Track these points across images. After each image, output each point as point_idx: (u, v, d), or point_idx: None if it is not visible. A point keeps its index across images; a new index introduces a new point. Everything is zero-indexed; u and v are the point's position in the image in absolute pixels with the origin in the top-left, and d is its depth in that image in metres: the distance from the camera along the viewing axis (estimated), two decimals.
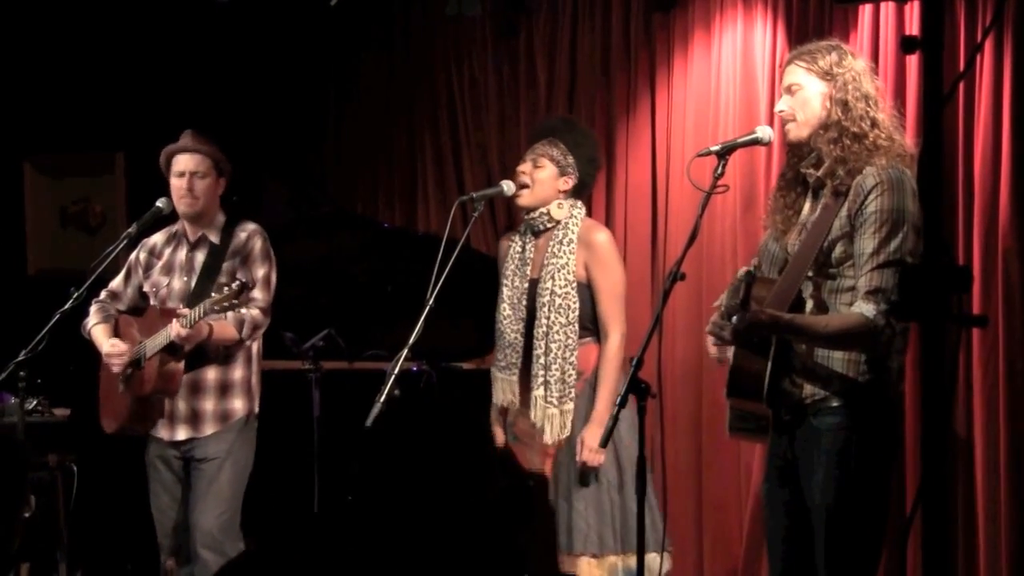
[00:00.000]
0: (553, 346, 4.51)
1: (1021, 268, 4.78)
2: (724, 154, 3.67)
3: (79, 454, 5.37)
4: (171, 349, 4.54)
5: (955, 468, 4.83)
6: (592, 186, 5.01)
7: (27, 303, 5.55)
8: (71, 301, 4.63)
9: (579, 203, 4.69)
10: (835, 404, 3.42)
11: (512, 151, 5.85)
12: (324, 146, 6.75)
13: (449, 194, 6.23)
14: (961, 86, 4.76)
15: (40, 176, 7.06)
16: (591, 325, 4.58)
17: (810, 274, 3.44)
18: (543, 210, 4.63)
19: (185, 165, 4.71)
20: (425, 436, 5.17)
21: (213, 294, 4.39)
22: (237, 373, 4.70)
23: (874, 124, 3.47)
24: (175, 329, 4.45)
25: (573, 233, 4.59)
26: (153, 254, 4.85)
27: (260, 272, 4.69)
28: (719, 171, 3.65)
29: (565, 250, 4.57)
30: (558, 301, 4.53)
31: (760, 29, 5.45)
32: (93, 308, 4.86)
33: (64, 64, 6.76)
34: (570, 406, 4.50)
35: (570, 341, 4.52)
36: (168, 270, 4.78)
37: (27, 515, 4.58)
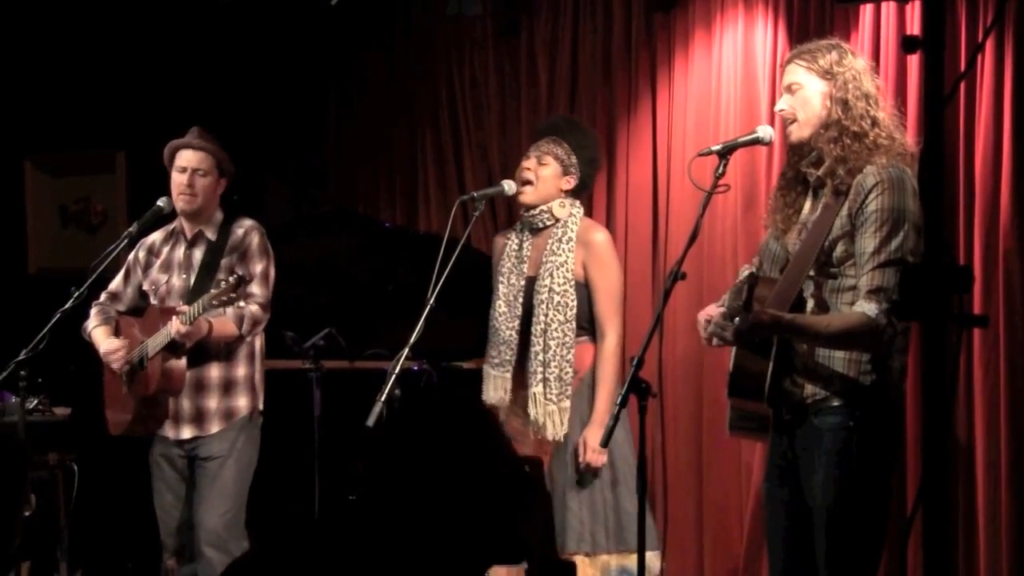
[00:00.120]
0: (552, 343, 4.51)
1: (1022, 268, 4.77)
2: (725, 154, 3.67)
3: (80, 453, 5.37)
4: (173, 347, 4.54)
5: (956, 468, 4.82)
6: (591, 187, 5.01)
7: (28, 302, 5.54)
8: (72, 300, 4.63)
9: (577, 203, 4.69)
10: (836, 404, 3.42)
11: (513, 151, 5.84)
12: (325, 145, 6.74)
13: (450, 193, 6.21)
14: (962, 86, 4.76)
15: (41, 175, 7.04)
16: (587, 324, 4.58)
17: (811, 274, 3.44)
18: (544, 208, 4.62)
19: (187, 161, 4.70)
20: (425, 436, 5.16)
21: (212, 290, 4.39)
22: (241, 370, 4.70)
23: (874, 123, 3.47)
24: (175, 326, 4.45)
25: (572, 232, 4.59)
26: (152, 252, 4.85)
27: (258, 267, 4.68)
28: (720, 171, 3.66)
29: (564, 248, 4.56)
30: (556, 299, 4.53)
31: (761, 29, 5.45)
32: (93, 310, 4.85)
33: (65, 63, 6.74)
34: (567, 403, 4.50)
35: (568, 339, 4.51)
36: (167, 268, 4.78)
37: (27, 514, 4.57)
